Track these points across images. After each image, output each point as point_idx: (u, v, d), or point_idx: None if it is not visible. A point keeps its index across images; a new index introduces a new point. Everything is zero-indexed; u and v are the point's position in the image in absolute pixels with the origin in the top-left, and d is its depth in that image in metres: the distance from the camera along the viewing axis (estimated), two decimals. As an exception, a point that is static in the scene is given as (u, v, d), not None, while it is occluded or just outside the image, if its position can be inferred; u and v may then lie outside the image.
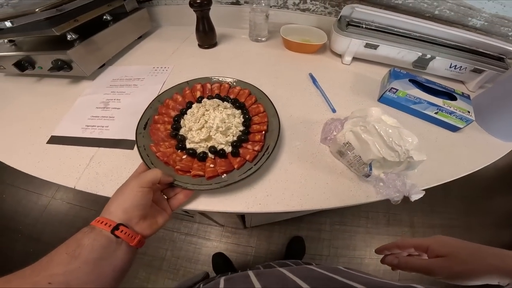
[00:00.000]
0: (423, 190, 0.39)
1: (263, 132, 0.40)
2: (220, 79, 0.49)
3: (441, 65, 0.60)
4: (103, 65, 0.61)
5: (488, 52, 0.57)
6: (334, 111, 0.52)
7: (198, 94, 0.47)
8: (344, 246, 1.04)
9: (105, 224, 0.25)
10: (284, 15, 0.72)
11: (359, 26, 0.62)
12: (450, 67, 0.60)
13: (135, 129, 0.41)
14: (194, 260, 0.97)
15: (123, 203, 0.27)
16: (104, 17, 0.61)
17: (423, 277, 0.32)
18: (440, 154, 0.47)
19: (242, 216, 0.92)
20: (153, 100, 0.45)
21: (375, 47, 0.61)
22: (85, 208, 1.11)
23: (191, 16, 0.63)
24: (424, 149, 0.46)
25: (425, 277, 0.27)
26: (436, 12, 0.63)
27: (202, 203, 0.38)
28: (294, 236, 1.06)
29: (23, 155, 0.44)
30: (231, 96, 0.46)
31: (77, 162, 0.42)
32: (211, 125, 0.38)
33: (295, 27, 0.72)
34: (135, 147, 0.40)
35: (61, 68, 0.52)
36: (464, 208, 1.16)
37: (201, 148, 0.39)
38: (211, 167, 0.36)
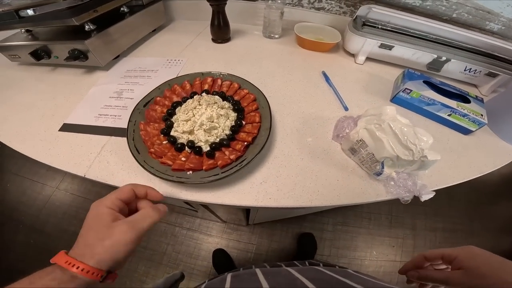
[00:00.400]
0: (433, 191, 0.39)
1: (245, 143, 0.39)
2: (233, 78, 0.49)
3: (455, 68, 0.60)
4: (118, 56, 0.62)
5: (503, 56, 0.57)
6: (346, 109, 0.52)
7: (206, 87, 0.47)
8: (345, 246, 1.04)
9: (92, 274, 0.22)
10: (298, 13, 0.72)
11: (374, 27, 0.61)
12: (464, 70, 0.60)
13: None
14: (195, 255, 0.97)
15: (114, 252, 0.24)
16: (122, 8, 0.62)
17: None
18: (451, 156, 0.47)
19: (247, 212, 0.93)
20: (163, 83, 0.46)
21: (390, 47, 0.61)
22: (89, 200, 1.11)
23: (206, 10, 0.64)
24: (436, 149, 0.46)
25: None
26: (454, 15, 0.63)
27: (208, 196, 0.38)
28: (303, 232, 1.06)
29: (35, 142, 0.45)
30: (236, 97, 0.46)
31: (89, 150, 0.43)
32: (195, 120, 0.38)
33: (309, 25, 0.72)
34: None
35: (78, 57, 0.53)
36: (468, 213, 1.15)
37: (182, 139, 0.39)
38: (181, 160, 0.36)
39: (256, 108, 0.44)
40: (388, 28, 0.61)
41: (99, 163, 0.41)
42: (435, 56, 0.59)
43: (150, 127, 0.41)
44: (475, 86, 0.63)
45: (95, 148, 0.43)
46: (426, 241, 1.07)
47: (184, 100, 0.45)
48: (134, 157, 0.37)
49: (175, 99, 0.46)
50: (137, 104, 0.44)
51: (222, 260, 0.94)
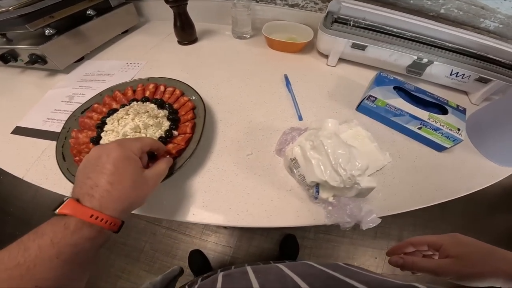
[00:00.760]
0: (381, 218, 0.34)
1: (168, 156, 0.36)
2: (178, 85, 0.46)
3: (440, 72, 0.52)
4: (82, 58, 0.62)
5: (498, 59, 0.48)
6: (300, 118, 0.47)
7: (148, 93, 0.45)
8: (326, 255, 0.99)
9: (106, 222, 0.21)
10: (271, 11, 0.67)
11: (346, 24, 0.55)
12: (450, 74, 0.52)
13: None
14: (172, 254, 0.98)
15: (142, 202, 0.24)
16: (88, 12, 0.62)
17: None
18: (416, 177, 0.41)
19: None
20: (105, 89, 0.45)
21: (363, 47, 0.54)
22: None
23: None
24: (398, 169, 0.41)
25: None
26: (442, 11, 0.54)
27: None
28: (287, 234, 1.04)
29: (-13, 144, 0.45)
30: (176, 105, 0.44)
31: (31, 154, 0.43)
32: (118, 131, 0.36)
33: (281, 23, 0.66)
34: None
35: (35, 62, 0.53)
36: (462, 225, 1.05)
37: None
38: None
39: (192, 117, 0.42)
40: (362, 26, 0.55)
41: (37, 167, 0.42)
42: (415, 57, 0.51)
43: (83, 135, 0.40)
44: (465, 93, 0.55)
45: (36, 152, 0.44)
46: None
47: (122, 107, 0.43)
48: (58, 163, 0.37)
49: (114, 106, 0.44)
50: (74, 111, 0.43)
51: (198, 261, 0.94)
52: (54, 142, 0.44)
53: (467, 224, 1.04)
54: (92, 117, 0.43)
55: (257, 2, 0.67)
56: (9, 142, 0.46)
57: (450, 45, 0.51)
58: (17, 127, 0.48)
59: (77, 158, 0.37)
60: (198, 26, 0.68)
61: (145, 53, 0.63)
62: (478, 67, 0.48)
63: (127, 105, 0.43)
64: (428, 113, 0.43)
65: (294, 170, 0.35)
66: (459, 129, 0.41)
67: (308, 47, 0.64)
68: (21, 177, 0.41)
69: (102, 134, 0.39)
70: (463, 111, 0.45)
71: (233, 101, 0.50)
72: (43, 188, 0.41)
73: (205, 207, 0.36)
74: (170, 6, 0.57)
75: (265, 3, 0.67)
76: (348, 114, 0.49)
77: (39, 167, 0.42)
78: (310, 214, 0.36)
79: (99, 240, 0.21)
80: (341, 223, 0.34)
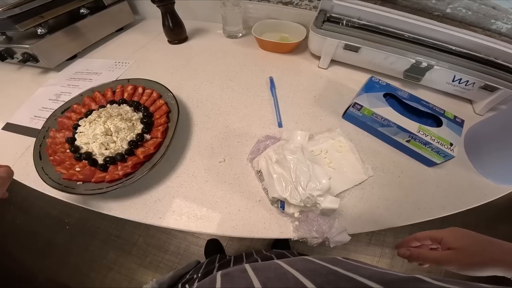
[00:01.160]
0: (351, 235, 0.32)
1: (140, 160, 0.37)
2: (156, 87, 0.46)
3: (441, 77, 0.47)
4: (75, 56, 0.63)
5: (507, 65, 0.43)
6: (280, 125, 0.45)
7: (126, 95, 0.45)
8: (317, 260, 0.96)
9: None
10: (264, 9, 0.65)
11: (338, 23, 0.51)
12: (453, 81, 0.47)
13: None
14: (164, 249, 1.00)
15: None
16: (81, 10, 0.62)
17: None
18: (398, 193, 0.37)
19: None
20: (86, 90, 0.46)
21: (356, 49, 0.50)
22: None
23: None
24: (379, 184, 0.38)
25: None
26: (448, 11, 0.49)
27: (100, 204, 0.37)
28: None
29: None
30: (152, 108, 0.43)
31: (16, 150, 0.45)
32: (89, 134, 0.36)
33: (274, 22, 0.64)
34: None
35: (27, 60, 0.55)
36: None
37: (83, 149, 0.38)
38: (75, 171, 0.36)
39: (165, 122, 0.41)
40: (356, 25, 0.51)
41: (20, 163, 0.43)
42: (413, 61, 0.47)
43: (60, 135, 0.41)
44: (469, 101, 0.50)
45: (21, 149, 0.45)
46: (404, 262, 0.93)
47: (100, 108, 0.43)
48: (34, 162, 0.38)
49: (93, 107, 0.44)
50: (54, 111, 0.44)
51: (213, 251, 0.96)
52: (37, 140, 0.46)
53: None
54: (71, 117, 0.43)
55: (250, 0, 0.64)
56: (1, 139, 0.48)
57: (453, 48, 0.46)
58: (7, 123, 0.50)
59: (51, 157, 0.38)
60: (190, 24, 0.67)
61: (135, 52, 0.63)
62: (484, 74, 0.43)
63: (105, 107, 0.44)
64: (418, 124, 0.39)
65: (260, 182, 0.33)
66: (451, 144, 0.37)
67: (301, 48, 0.61)
68: (4, 173, 0.43)
69: (76, 135, 0.40)
70: (460, 123, 0.40)
71: (212, 104, 0.48)
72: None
73: (173, 212, 0.36)
74: (157, 6, 0.57)
75: (258, 1, 0.64)
76: (333, 122, 0.46)
77: (22, 164, 0.43)
78: (277, 227, 0.34)
79: None
80: (309, 239, 0.33)
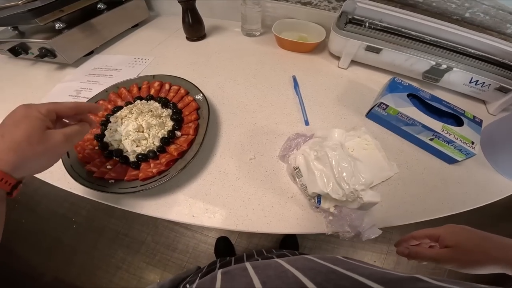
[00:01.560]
0: (381, 229, 0.33)
1: (173, 158, 0.37)
2: (183, 83, 0.46)
3: (459, 79, 0.49)
4: (92, 52, 0.62)
5: (523, 68, 0.45)
6: (307, 123, 0.46)
7: (153, 91, 0.45)
8: (326, 257, 0.98)
9: (1, 180, 0.21)
10: (283, 8, 0.65)
11: (360, 25, 0.52)
12: (470, 82, 0.49)
13: None
14: (172, 247, 1.00)
15: (41, 160, 0.23)
16: (98, 5, 0.62)
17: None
18: (422, 189, 0.39)
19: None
20: (111, 85, 0.46)
21: (377, 50, 0.51)
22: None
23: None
24: (404, 180, 0.40)
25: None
26: (467, 15, 0.51)
27: (130, 203, 0.37)
28: (287, 233, 1.04)
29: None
30: (180, 105, 0.43)
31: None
32: (121, 130, 0.36)
33: (293, 21, 0.64)
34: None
35: (45, 55, 0.54)
36: None
37: (113, 146, 0.38)
38: (106, 168, 0.36)
39: (196, 118, 0.41)
40: (378, 27, 0.52)
41: None
42: (433, 63, 0.49)
43: None
44: (483, 102, 0.52)
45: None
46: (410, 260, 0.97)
47: (127, 104, 0.43)
48: (62, 160, 0.37)
49: (120, 103, 0.44)
50: None
51: (223, 249, 0.96)
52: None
53: None
54: (97, 114, 0.43)
55: (267, -2, 0.65)
56: None
57: (472, 51, 0.47)
58: (26, 119, 0.49)
59: (80, 155, 0.38)
60: (207, 21, 0.67)
61: (153, 49, 0.63)
62: (499, 76, 0.45)
63: (131, 103, 0.43)
64: (442, 124, 0.41)
65: (297, 179, 0.34)
66: (473, 142, 0.39)
67: (319, 48, 0.62)
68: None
69: (106, 132, 0.39)
70: (480, 122, 0.42)
71: (238, 102, 0.49)
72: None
73: (206, 209, 0.36)
74: (179, 2, 0.56)
75: (277, 0, 0.65)
76: (356, 121, 0.47)
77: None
78: (310, 223, 0.35)
79: None
80: (341, 233, 0.34)
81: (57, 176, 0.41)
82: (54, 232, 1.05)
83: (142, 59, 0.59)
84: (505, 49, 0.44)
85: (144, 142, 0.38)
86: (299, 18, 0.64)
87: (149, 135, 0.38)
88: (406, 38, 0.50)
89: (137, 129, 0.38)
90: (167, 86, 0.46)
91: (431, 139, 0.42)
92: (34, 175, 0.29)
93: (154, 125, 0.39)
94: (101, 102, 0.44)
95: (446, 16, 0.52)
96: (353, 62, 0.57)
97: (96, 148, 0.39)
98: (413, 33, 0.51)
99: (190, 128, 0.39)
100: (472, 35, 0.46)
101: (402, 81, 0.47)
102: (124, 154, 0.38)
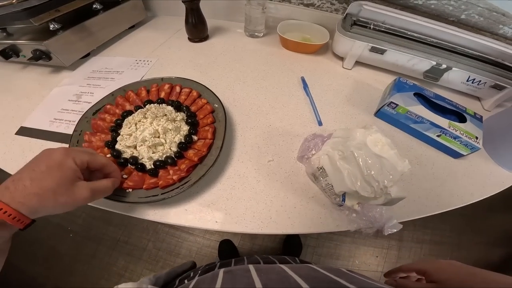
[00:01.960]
0: (401, 223, 0.34)
1: (193, 163, 0.36)
2: (194, 86, 0.45)
3: (457, 78, 0.52)
4: (88, 54, 0.59)
5: (515, 67, 0.48)
6: (320, 124, 0.46)
7: (163, 94, 0.43)
8: (328, 254, 1.01)
9: (15, 219, 0.21)
10: (285, 9, 0.66)
11: (365, 27, 0.54)
12: (467, 81, 0.52)
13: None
14: (175, 253, 0.97)
15: (61, 209, 0.24)
16: (94, 6, 0.59)
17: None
18: (434, 183, 0.41)
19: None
20: (117, 89, 0.44)
21: (381, 51, 0.53)
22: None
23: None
24: (417, 176, 0.41)
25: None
26: (463, 17, 0.54)
27: (150, 213, 0.35)
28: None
29: (-8, 144, 0.43)
30: (193, 108, 0.42)
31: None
32: (137, 136, 0.35)
33: (296, 23, 0.65)
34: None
35: (40, 58, 0.50)
36: (460, 226, 1.10)
37: (127, 153, 0.36)
38: (122, 178, 0.34)
39: (212, 122, 0.40)
40: (382, 29, 0.54)
41: None
42: (434, 63, 0.51)
43: (96, 138, 0.39)
44: (477, 98, 0.55)
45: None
46: (410, 253, 1.03)
47: (137, 109, 0.41)
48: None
49: (128, 107, 0.42)
50: (85, 112, 0.41)
51: (227, 251, 0.95)
52: (63, 144, 0.42)
53: (465, 225, 1.09)
54: (105, 119, 0.41)
55: (271, 0, 0.65)
56: (14, 144, 0.44)
57: (469, 51, 0.50)
58: (21, 127, 0.46)
59: None
60: (208, 22, 0.66)
61: (154, 50, 0.61)
62: (494, 74, 0.49)
63: (142, 107, 0.42)
64: (448, 121, 0.43)
65: (321, 178, 0.35)
66: (477, 137, 0.42)
67: (322, 49, 0.63)
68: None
69: (118, 138, 0.38)
70: (480, 118, 0.45)
71: (250, 103, 0.49)
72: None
73: (229, 214, 0.36)
74: (183, 1, 0.55)
75: (279, 1, 0.65)
76: (366, 120, 0.48)
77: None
78: (333, 220, 0.36)
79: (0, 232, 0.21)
80: (364, 229, 0.35)
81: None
82: (50, 241, 0.99)
83: (144, 61, 0.57)
84: (499, 49, 0.48)
85: (160, 148, 0.37)
86: (301, 19, 0.65)
87: (165, 140, 0.37)
88: (408, 40, 0.53)
89: (153, 135, 0.36)
90: (177, 89, 0.44)
91: (438, 136, 0.44)
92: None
93: (170, 129, 0.38)
94: (108, 106, 0.42)
95: (444, 17, 0.54)
96: (357, 63, 0.59)
97: (108, 155, 0.37)
98: (415, 34, 0.53)
99: (208, 132, 0.38)
100: (469, 36, 0.49)
101: (407, 80, 0.49)
102: (140, 161, 0.36)
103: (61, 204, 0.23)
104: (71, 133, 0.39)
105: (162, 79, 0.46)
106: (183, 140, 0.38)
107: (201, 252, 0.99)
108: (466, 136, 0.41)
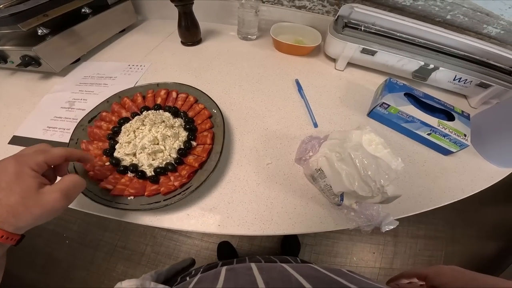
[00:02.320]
0: (397, 219, 0.36)
1: (194, 169, 0.36)
2: (190, 91, 0.45)
3: (444, 77, 0.54)
4: (78, 59, 0.58)
5: (498, 65, 0.51)
6: (316, 125, 0.47)
7: (159, 100, 0.43)
8: (326, 252, 1.03)
9: (3, 238, 0.21)
10: (278, 12, 0.66)
11: (357, 29, 0.55)
12: (454, 80, 0.54)
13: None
14: (174, 256, 0.97)
15: (43, 220, 0.23)
16: (83, 10, 0.57)
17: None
18: (426, 180, 0.43)
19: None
20: (113, 95, 0.43)
21: (372, 53, 0.55)
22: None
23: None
24: (410, 173, 0.43)
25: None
26: (448, 17, 0.56)
27: (152, 219, 0.35)
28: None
29: (-17, 156, 0.42)
30: (190, 113, 0.42)
31: (34, 168, 0.40)
32: (136, 143, 0.35)
33: (288, 25, 0.66)
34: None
35: (29, 64, 0.49)
36: (453, 220, 1.14)
37: (126, 161, 0.36)
38: (123, 185, 0.34)
39: (210, 127, 0.40)
40: (372, 31, 0.55)
41: None
42: (422, 63, 0.53)
43: (93, 146, 0.38)
44: (464, 97, 0.58)
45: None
46: (406, 248, 1.06)
47: (133, 115, 0.41)
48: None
49: (124, 114, 0.42)
50: (80, 120, 0.41)
51: (226, 252, 0.95)
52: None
53: (457, 218, 1.13)
54: (101, 127, 0.40)
55: (263, 2, 0.65)
56: (8, 154, 0.41)
57: (455, 51, 0.53)
58: (14, 136, 0.44)
59: (91, 172, 0.35)
60: (201, 26, 0.65)
61: (147, 55, 0.60)
62: (480, 73, 0.51)
63: (138, 114, 0.41)
64: (437, 119, 0.45)
65: (320, 179, 0.36)
66: (465, 135, 0.44)
67: (315, 50, 0.64)
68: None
69: (117, 146, 0.37)
70: (468, 116, 0.47)
71: (246, 107, 0.49)
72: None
73: (231, 218, 0.36)
74: (176, 5, 0.55)
75: (272, 4, 0.66)
76: (360, 120, 0.50)
77: (44, 181, 0.39)
78: (332, 220, 0.37)
79: None
80: (362, 227, 0.36)
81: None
82: (46, 248, 0.97)
83: (137, 65, 0.56)
84: (484, 48, 0.50)
85: (160, 154, 0.37)
86: (293, 21, 0.66)
87: (165, 147, 0.37)
88: (397, 41, 0.54)
89: (153, 142, 0.36)
90: (174, 94, 0.44)
91: (428, 134, 0.46)
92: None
93: (169, 136, 0.38)
94: (104, 114, 0.41)
95: (430, 18, 0.57)
96: (349, 64, 0.60)
97: (107, 164, 0.37)
98: (404, 35, 0.55)
99: (207, 137, 0.39)
100: (455, 36, 0.51)
101: (397, 81, 0.51)
102: (140, 168, 0.36)
103: (38, 215, 0.22)
104: (67, 141, 0.38)
105: (158, 84, 0.46)
106: (182, 146, 0.38)
107: (200, 255, 0.99)
108: (455, 133, 0.43)
